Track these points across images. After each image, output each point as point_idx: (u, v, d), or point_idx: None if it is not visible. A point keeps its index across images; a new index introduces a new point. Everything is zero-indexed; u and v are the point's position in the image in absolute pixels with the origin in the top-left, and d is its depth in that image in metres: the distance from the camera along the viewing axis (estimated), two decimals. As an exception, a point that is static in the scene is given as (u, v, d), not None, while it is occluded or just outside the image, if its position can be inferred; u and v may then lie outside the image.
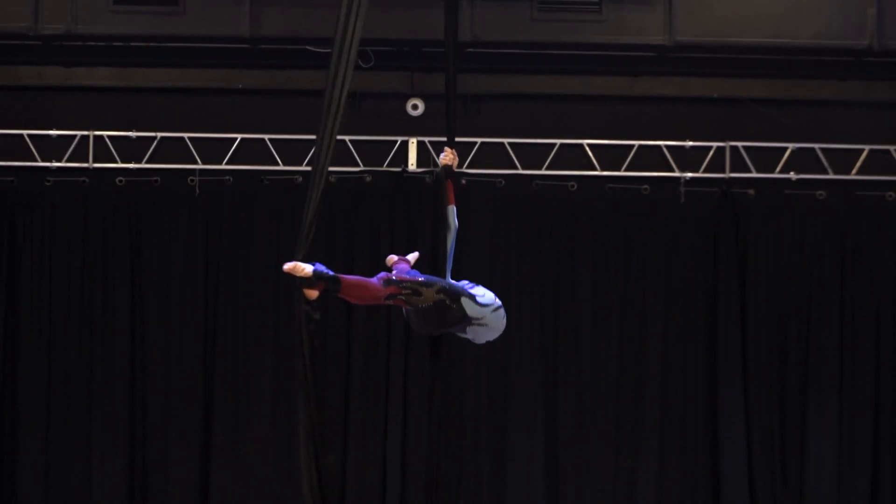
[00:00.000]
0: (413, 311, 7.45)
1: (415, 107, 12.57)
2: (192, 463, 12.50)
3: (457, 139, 12.22)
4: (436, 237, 8.06)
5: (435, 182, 8.12)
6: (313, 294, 7.04)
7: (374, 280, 7.27)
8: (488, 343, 8.03)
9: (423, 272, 7.71)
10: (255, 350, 12.54)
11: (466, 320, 7.51)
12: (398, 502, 12.42)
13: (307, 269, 7.02)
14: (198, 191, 12.54)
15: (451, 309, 7.41)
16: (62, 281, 12.51)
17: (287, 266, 7.06)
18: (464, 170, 12.39)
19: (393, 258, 7.91)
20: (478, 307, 7.54)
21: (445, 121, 8.06)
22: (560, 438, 12.58)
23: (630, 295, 12.71)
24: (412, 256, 7.99)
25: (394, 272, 7.46)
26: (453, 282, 7.62)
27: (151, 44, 12.02)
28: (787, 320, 12.68)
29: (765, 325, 12.66)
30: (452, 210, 8.04)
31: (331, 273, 7.07)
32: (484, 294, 7.65)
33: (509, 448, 12.55)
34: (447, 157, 8.08)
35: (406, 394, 12.52)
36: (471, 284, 7.72)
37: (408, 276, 7.38)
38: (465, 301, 7.46)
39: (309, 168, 12.45)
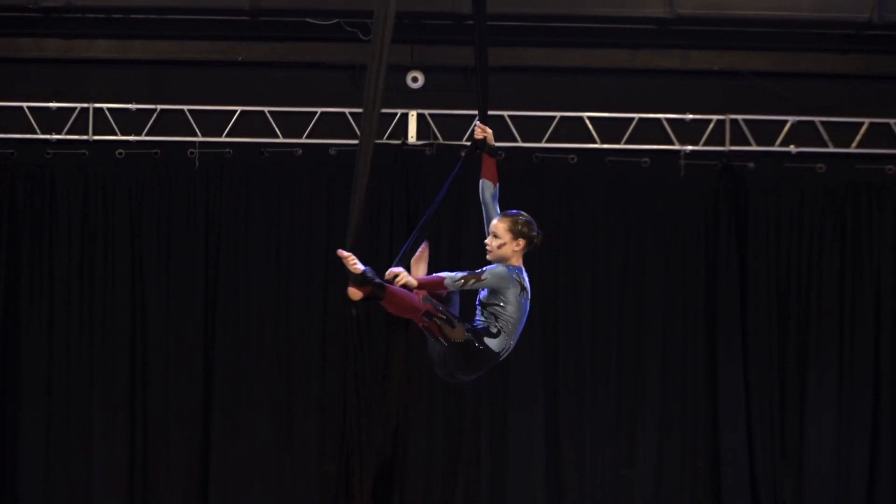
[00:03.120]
0: (438, 355, 7.37)
1: (415, 79, 12.55)
2: (192, 442, 12.51)
3: (457, 111, 12.40)
4: (440, 210, 7.89)
5: (465, 156, 7.98)
6: (357, 294, 6.97)
7: (414, 295, 7.20)
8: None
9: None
10: (255, 323, 12.54)
11: (496, 357, 7.41)
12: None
13: (359, 265, 6.96)
14: (197, 163, 12.54)
15: (479, 350, 7.34)
16: (62, 253, 12.50)
17: (342, 252, 6.98)
18: (463, 142, 12.39)
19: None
20: (495, 341, 7.42)
21: (477, 96, 7.97)
22: (560, 413, 12.59)
23: (630, 268, 12.72)
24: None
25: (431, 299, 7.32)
26: (470, 325, 7.49)
27: (151, 16, 12.00)
28: (787, 293, 12.69)
29: (765, 299, 12.67)
30: (489, 185, 7.93)
31: (378, 280, 6.99)
32: (500, 332, 7.46)
33: (509, 424, 12.55)
34: (478, 132, 8.01)
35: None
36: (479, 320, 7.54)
37: (443, 307, 7.29)
38: (487, 341, 7.38)
39: (309, 141, 12.51)
